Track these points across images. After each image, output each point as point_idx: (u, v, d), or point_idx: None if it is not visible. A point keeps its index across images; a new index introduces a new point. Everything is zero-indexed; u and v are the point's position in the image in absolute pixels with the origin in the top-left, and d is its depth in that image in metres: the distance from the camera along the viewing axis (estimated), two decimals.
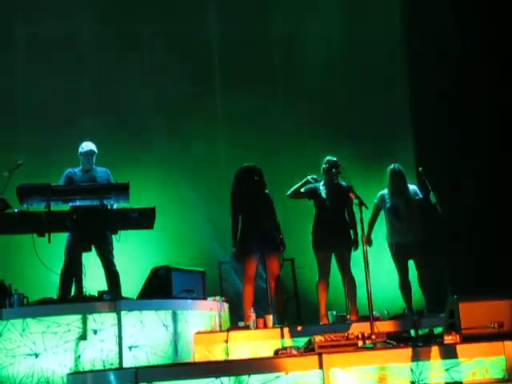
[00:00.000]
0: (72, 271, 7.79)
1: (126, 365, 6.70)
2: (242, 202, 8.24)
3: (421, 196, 8.70)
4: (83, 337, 6.79)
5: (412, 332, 7.39)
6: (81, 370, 6.65)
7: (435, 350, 6.42)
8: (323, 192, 8.48)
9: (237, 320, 8.25)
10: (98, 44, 10.60)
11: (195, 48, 10.78)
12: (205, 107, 10.68)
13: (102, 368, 6.61)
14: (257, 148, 10.24)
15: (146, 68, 10.72)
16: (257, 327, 7.56)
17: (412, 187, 8.76)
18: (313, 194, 8.49)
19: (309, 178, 8.50)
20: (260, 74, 10.82)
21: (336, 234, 8.30)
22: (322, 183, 8.54)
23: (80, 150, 8.47)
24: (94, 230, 7.45)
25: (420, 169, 8.64)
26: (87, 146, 8.45)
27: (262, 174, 8.31)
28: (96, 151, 8.46)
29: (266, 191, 8.39)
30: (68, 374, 6.49)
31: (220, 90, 10.84)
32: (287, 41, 11.13)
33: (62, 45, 10.41)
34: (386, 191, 8.76)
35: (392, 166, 8.74)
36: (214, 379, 5.99)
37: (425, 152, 10.34)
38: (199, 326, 7.42)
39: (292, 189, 8.56)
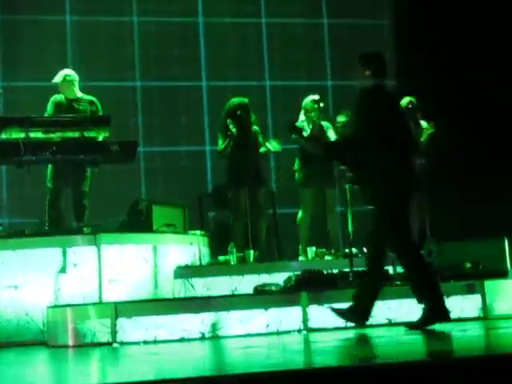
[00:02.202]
0: (58, 202, 7.85)
1: (105, 299, 6.71)
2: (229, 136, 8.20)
3: (431, 130, 8.62)
4: (63, 270, 6.78)
5: (390, 269, 7.44)
6: (60, 303, 6.66)
7: None
8: (308, 130, 8.42)
9: (217, 254, 8.28)
10: None
11: None
12: None
13: (81, 302, 6.61)
14: None
15: None
16: (237, 262, 7.58)
17: (422, 122, 8.64)
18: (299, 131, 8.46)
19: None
20: None
21: (322, 172, 8.27)
22: (304, 121, 8.47)
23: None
24: (73, 162, 7.41)
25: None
26: (57, 77, 8.12)
27: (249, 110, 8.25)
28: (69, 79, 8.07)
29: (255, 127, 8.34)
30: (48, 307, 6.48)
31: None
32: None
33: None
34: None
35: (406, 98, 8.54)
36: (193, 315, 6.04)
37: None
38: (179, 260, 7.43)
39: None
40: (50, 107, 8.03)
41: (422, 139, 8.47)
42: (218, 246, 8.91)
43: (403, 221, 5.79)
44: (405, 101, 8.37)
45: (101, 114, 8.03)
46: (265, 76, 10.90)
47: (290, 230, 8.90)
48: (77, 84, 8.12)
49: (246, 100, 8.32)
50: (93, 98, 8.18)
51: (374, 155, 5.61)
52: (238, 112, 8.12)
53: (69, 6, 10.40)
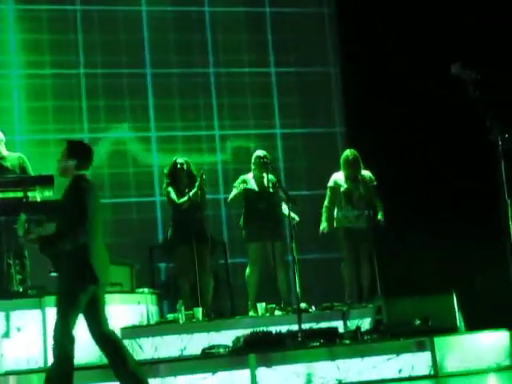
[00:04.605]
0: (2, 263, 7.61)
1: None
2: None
3: (375, 183, 8.69)
4: (6, 335, 6.64)
5: (340, 324, 7.41)
6: (4, 369, 6.50)
7: (362, 347, 6.45)
8: (254, 184, 8.42)
9: (169, 307, 8.22)
10: None
11: None
12: None
13: (26, 367, 6.46)
14: None
15: None
16: (186, 320, 7.47)
17: (367, 173, 8.72)
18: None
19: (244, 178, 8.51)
20: None
21: (269, 226, 8.23)
22: (249, 175, 8.49)
23: None
24: (16, 222, 7.26)
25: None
26: None
27: (186, 168, 8.34)
28: None
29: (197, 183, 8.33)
30: None
31: None
32: None
33: None
34: (339, 174, 8.72)
35: (347, 151, 8.70)
36: None
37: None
38: (127, 320, 7.31)
39: (232, 195, 8.50)
40: None
41: (365, 191, 8.54)
42: (168, 298, 8.86)
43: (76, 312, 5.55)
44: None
45: (29, 168, 8.01)
46: (214, 124, 10.86)
47: (243, 279, 8.83)
48: (3, 143, 8.10)
49: (176, 159, 8.42)
50: (20, 154, 8.19)
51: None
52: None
53: (15, 59, 10.28)
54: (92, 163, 5.84)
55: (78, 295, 5.48)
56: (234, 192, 8.47)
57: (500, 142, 4.72)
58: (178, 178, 8.29)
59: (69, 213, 5.60)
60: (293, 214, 7.71)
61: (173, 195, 8.25)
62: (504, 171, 4.73)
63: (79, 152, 5.76)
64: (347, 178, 8.63)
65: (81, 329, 6.40)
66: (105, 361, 6.48)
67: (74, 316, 5.52)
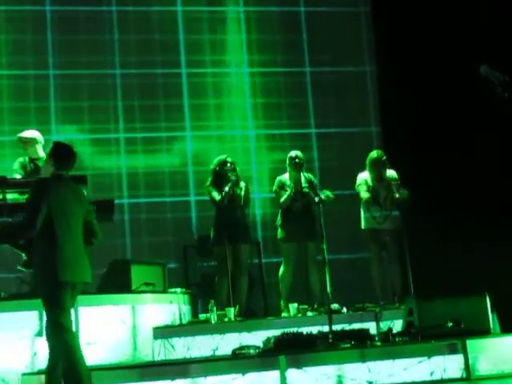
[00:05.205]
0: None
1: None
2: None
3: (399, 182, 8.62)
4: (39, 333, 6.69)
5: (373, 325, 7.36)
6: (37, 367, 6.56)
7: (393, 349, 6.40)
8: (290, 185, 8.42)
9: (203, 305, 8.24)
10: None
11: None
12: None
13: None
14: None
15: None
16: (217, 320, 7.47)
17: (391, 172, 8.67)
18: (283, 188, 8.48)
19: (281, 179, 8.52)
20: None
21: (304, 226, 8.21)
22: (285, 176, 8.50)
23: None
24: None
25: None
26: (24, 133, 8.22)
27: (233, 166, 8.37)
28: (32, 138, 8.16)
29: (242, 183, 8.41)
30: (23, 374, 6.40)
31: None
32: None
33: None
34: (365, 174, 8.67)
35: (374, 152, 8.66)
36: (169, 381, 5.94)
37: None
38: (159, 320, 7.34)
39: (282, 200, 8.43)
40: (17, 169, 8.12)
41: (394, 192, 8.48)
42: (202, 298, 8.89)
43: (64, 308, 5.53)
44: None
45: None
46: (248, 124, 10.85)
47: (276, 279, 8.82)
48: (40, 145, 8.21)
49: (226, 158, 8.41)
50: None
51: (39, 240, 5.57)
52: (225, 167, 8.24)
53: (51, 59, 10.36)
54: (72, 165, 5.90)
55: (58, 294, 5.50)
56: (286, 194, 8.42)
57: None
58: (223, 176, 8.28)
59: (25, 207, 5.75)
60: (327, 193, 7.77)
61: (213, 192, 8.26)
62: None
63: (57, 153, 5.84)
64: (373, 179, 8.57)
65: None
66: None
67: (64, 312, 5.52)
